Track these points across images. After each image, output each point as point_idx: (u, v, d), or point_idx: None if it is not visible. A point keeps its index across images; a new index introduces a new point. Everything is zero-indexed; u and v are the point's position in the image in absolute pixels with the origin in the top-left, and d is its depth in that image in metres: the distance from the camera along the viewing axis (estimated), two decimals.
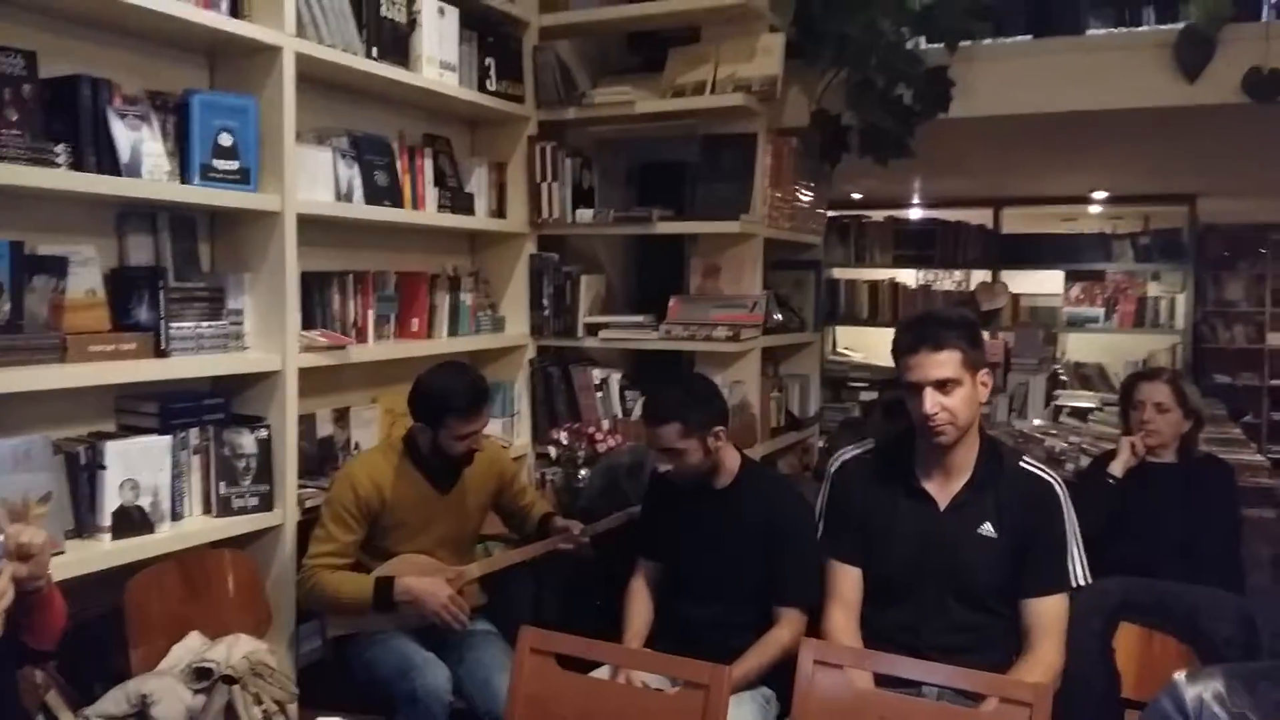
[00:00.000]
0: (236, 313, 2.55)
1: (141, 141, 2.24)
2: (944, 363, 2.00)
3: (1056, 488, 2.06)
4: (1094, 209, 6.67)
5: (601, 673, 2.31)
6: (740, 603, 2.37)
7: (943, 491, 2.10)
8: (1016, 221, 6.71)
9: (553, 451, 3.22)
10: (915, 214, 7.03)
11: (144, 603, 2.22)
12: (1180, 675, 1.34)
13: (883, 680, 1.97)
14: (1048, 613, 2.00)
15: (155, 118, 2.30)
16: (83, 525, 2.20)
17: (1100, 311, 6.30)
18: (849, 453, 2.24)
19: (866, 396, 6.81)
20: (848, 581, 2.15)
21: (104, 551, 2.16)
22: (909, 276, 6.93)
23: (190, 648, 2.21)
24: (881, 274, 6.81)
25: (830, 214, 4.67)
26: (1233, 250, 8.50)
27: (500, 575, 2.68)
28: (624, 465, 2.90)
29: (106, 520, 2.20)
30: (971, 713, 1.73)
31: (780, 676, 2.31)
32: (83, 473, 2.21)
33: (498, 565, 2.57)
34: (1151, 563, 2.83)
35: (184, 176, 2.36)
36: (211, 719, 1.99)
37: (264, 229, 2.54)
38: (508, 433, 3.52)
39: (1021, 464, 2.10)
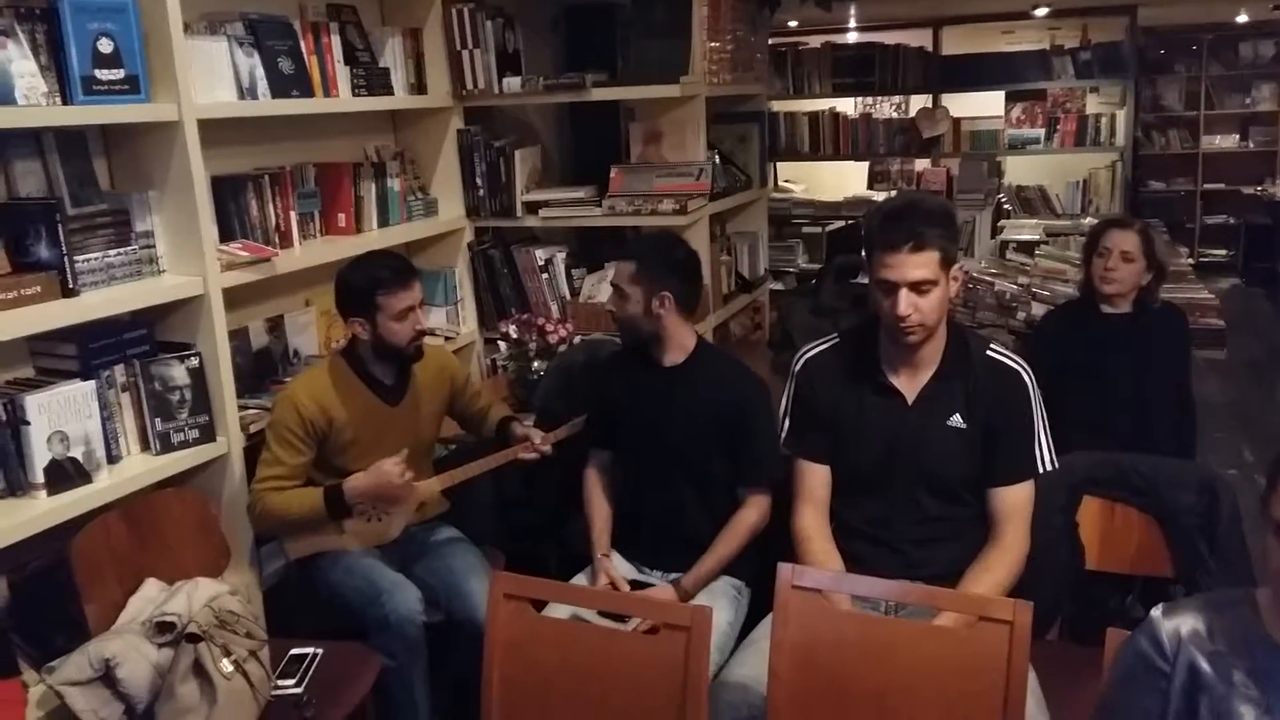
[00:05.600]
0: (146, 235, 2.35)
1: (10, 61, 1.98)
2: (923, 264, 1.89)
3: (1024, 376, 2.02)
4: (1034, 24, 6.44)
5: (581, 578, 2.37)
6: (696, 484, 2.33)
7: (910, 385, 2.05)
8: (956, 41, 6.47)
9: (503, 347, 3.11)
10: (853, 37, 6.75)
11: (93, 558, 2.10)
12: (1157, 611, 1.29)
13: (853, 569, 1.99)
14: (1015, 500, 2.00)
15: (21, 30, 2.02)
16: (14, 485, 2.07)
17: (1041, 132, 6.18)
18: (812, 349, 2.17)
19: (809, 231, 6.75)
20: (816, 479, 2.12)
21: (41, 512, 2.03)
22: (848, 105, 6.73)
23: (148, 597, 2.12)
24: (821, 104, 6.60)
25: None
26: (1169, 53, 8.39)
27: None
28: (579, 364, 2.81)
29: (39, 477, 2.06)
30: (951, 631, 1.73)
31: (748, 564, 2.34)
32: (4, 430, 2.05)
33: (458, 479, 2.51)
34: (1104, 413, 2.88)
35: (65, 95, 2.10)
36: (180, 676, 1.93)
37: (164, 141, 2.31)
38: (452, 322, 3.40)
39: (989, 353, 2.05)
